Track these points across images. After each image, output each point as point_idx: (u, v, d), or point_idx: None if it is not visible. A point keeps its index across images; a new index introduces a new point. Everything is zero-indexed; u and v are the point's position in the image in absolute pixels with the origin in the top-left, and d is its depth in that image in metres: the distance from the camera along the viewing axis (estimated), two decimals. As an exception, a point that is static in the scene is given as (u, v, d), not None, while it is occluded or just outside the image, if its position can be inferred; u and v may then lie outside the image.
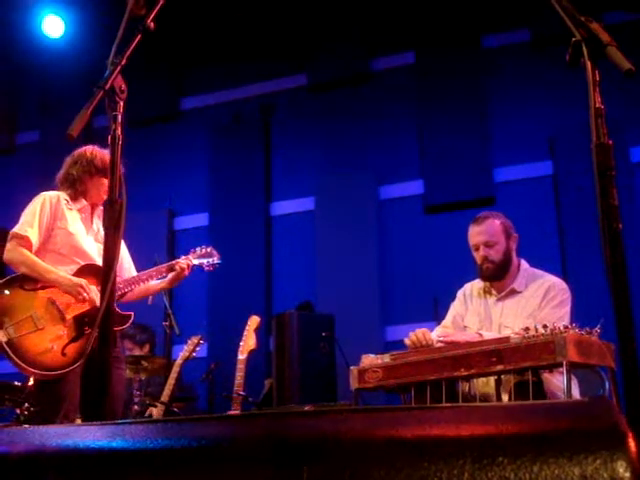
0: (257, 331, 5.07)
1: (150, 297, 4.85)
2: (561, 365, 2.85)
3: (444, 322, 3.95)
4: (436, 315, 4.84)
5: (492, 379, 3.20)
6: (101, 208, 3.93)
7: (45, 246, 3.68)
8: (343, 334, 5.72)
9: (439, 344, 3.52)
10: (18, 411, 4.69)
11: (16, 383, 4.67)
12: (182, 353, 5.18)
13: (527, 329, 2.96)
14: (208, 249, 4.28)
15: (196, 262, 4.13)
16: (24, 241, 3.61)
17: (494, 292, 3.78)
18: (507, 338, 3.05)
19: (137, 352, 5.78)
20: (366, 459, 0.89)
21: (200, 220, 7.36)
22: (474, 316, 3.80)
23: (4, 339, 3.42)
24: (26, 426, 1.20)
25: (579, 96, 2.31)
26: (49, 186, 3.84)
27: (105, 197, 3.91)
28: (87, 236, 3.80)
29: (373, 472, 0.88)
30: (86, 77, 6.56)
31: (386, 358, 3.35)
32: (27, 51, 7.47)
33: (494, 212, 3.95)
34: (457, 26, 6.86)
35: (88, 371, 3.38)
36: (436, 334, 3.76)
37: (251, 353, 4.93)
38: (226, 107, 7.58)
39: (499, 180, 6.48)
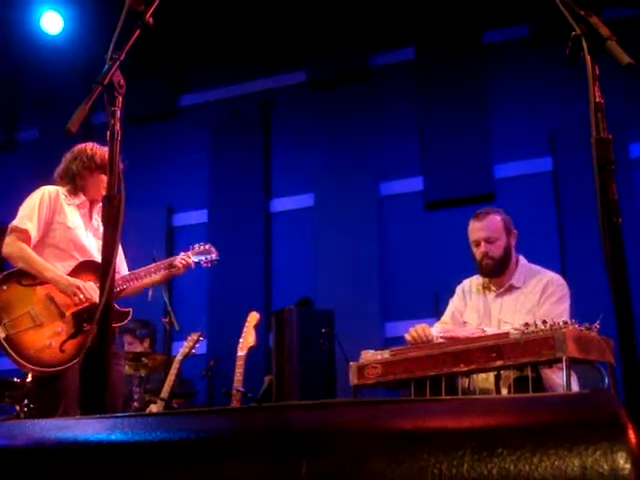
0: (257, 327, 5.07)
1: (150, 293, 4.85)
2: (561, 361, 2.85)
3: (443, 318, 3.95)
4: (436, 311, 4.84)
5: (492, 375, 3.20)
6: (100, 204, 3.96)
7: (44, 240, 3.67)
8: (343, 330, 5.73)
9: (440, 340, 3.53)
10: (18, 408, 4.69)
11: (16, 380, 4.68)
12: (182, 349, 5.18)
13: (527, 325, 2.96)
14: (206, 246, 4.29)
15: (195, 259, 4.14)
16: (23, 234, 3.60)
17: (493, 288, 3.78)
18: (507, 334, 3.05)
19: (137, 347, 5.78)
20: (366, 451, 0.89)
21: (199, 217, 7.36)
22: (473, 312, 3.80)
23: (2, 335, 3.41)
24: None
25: (579, 92, 2.31)
26: (49, 183, 3.83)
27: (104, 194, 3.93)
28: (86, 232, 3.80)
29: (373, 464, 0.88)
30: (85, 74, 6.56)
31: (386, 354, 3.35)
32: (26, 48, 7.46)
33: (494, 208, 3.95)
34: (457, 22, 6.85)
35: (87, 367, 3.37)
36: (436, 330, 3.76)
37: (251, 349, 4.93)
38: (225, 104, 7.57)
39: (499, 176, 6.47)
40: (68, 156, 3.88)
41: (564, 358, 2.83)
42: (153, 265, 3.92)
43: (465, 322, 3.81)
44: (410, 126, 6.91)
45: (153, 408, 5.06)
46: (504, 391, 3.16)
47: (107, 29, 2.35)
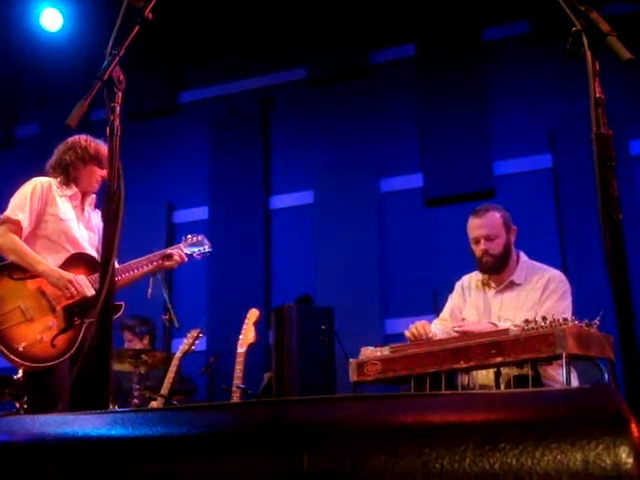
0: (256, 324, 5.06)
1: (150, 290, 4.84)
2: (561, 357, 2.85)
3: (442, 314, 3.95)
4: (435, 308, 4.84)
5: (491, 371, 3.20)
6: (93, 196, 3.92)
7: (35, 232, 3.64)
8: (342, 327, 5.72)
9: (444, 335, 3.53)
10: (17, 404, 4.69)
11: (15, 377, 4.67)
12: (181, 346, 5.17)
13: (527, 321, 2.96)
14: (199, 237, 4.26)
15: (187, 251, 4.11)
16: (15, 226, 3.57)
17: (493, 284, 3.77)
18: (507, 330, 3.05)
19: (137, 344, 5.78)
20: (367, 446, 0.89)
21: (199, 213, 7.36)
22: (472, 308, 3.79)
23: None
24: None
25: (579, 89, 2.31)
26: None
27: (97, 186, 3.90)
28: (78, 223, 3.77)
29: (374, 459, 0.87)
30: (85, 70, 6.55)
31: (385, 351, 3.35)
32: (25, 45, 7.45)
33: (493, 204, 3.94)
34: (457, 19, 6.84)
35: (86, 363, 3.33)
36: (436, 327, 3.76)
37: (250, 346, 4.92)
38: (225, 101, 7.56)
39: (499, 173, 6.47)
40: (61, 147, 3.86)
41: (564, 354, 2.83)
42: (145, 257, 3.88)
43: (464, 319, 3.80)
44: (410, 123, 6.90)
45: (153, 405, 5.06)
46: (502, 387, 3.16)
47: (107, 26, 2.35)
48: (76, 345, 3.52)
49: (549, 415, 0.87)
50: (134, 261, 3.82)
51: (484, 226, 3.73)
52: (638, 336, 1.87)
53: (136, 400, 4.95)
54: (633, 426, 0.82)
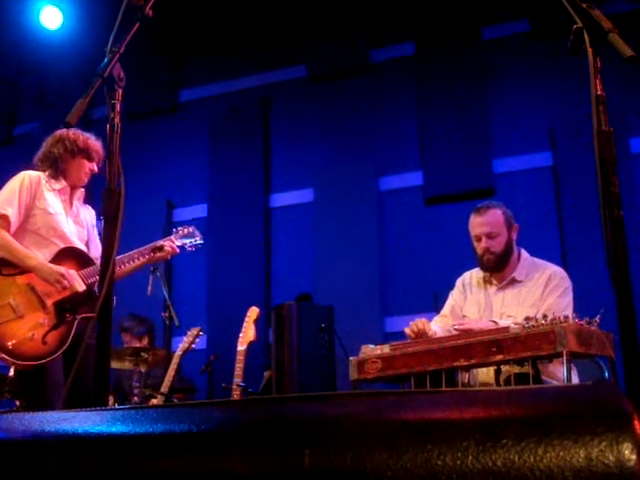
0: (256, 322, 5.07)
1: (149, 289, 4.83)
2: (561, 355, 2.85)
3: (442, 312, 3.95)
4: (435, 306, 4.83)
5: (492, 369, 3.20)
6: (82, 191, 3.88)
7: (24, 226, 3.59)
8: (342, 325, 5.72)
9: (444, 333, 3.53)
10: (17, 403, 4.68)
11: (9, 374, 4.65)
12: (181, 344, 5.17)
13: (528, 319, 2.96)
14: (190, 229, 4.23)
15: (179, 243, 4.06)
16: (4, 220, 3.52)
17: (494, 282, 3.77)
18: (507, 328, 3.05)
19: (136, 344, 5.77)
20: (368, 442, 0.89)
21: (199, 211, 7.35)
22: (473, 305, 3.79)
23: None
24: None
25: (579, 87, 2.31)
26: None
27: (86, 179, 3.87)
28: (67, 218, 3.72)
29: (375, 455, 0.87)
30: (85, 68, 6.54)
31: (386, 349, 3.35)
32: (25, 43, 7.43)
33: (495, 202, 3.94)
34: (457, 17, 6.84)
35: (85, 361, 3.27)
36: (436, 324, 3.76)
37: (250, 344, 4.92)
38: (225, 99, 7.56)
39: (499, 171, 6.47)
40: (49, 140, 3.82)
41: (564, 352, 2.82)
42: (136, 250, 3.83)
43: (464, 316, 3.80)
44: (410, 121, 6.90)
45: (154, 403, 5.06)
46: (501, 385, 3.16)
47: (107, 24, 2.34)
48: (68, 342, 3.46)
49: (552, 412, 0.87)
50: (125, 255, 3.75)
51: (486, 224, 3.73)
52: (639, 334, 1.87)
53: (136, 398, 4.94)
54: (636, 423, 0.82)
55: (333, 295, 6.27)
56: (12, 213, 3.53)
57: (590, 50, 1.99)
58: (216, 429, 0.99)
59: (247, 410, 1.05)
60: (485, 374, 3.35)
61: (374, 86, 7.09)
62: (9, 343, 3.32)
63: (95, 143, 3.85)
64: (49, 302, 3.48)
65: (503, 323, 3.38)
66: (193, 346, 5.20)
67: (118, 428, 1.03)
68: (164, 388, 4.97)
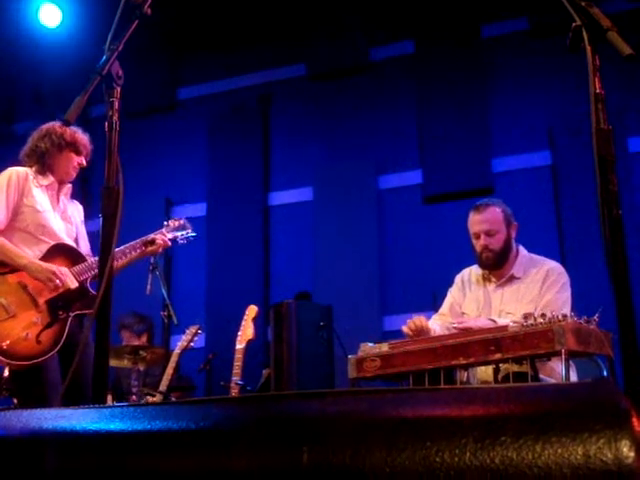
0: (255, 321, 5.07)
1: (148, 287, 4.82)
2: (559, 353, 2.85)
3: (441, 310, 3.95)
4: (434, 304, 4.83)
5: (490, 367, 3.20)
6: (69, 186, 3.82)
7: (12, 224, 3.53)
8: (341, 324, 5.72)
9: (443, 330, 3.53)
10: (15, 400, 4.68)
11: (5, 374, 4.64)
12: (180, 343, 5.17)
13: (526, 317, 2.96)
14: (181, 221, 4.18)
15: (170, 236, 4.01)
16: None
17: (493, 279, 3.77)
18: (506, 327, 3.05)
19: (135, 343, 5.77)
20: (367, 439, 0.89)
21: (198, 210, 7.34)
22: (472, 303, 3.79)
23: None
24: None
25: (578, 86, 2.31)
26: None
27: (73, 174, 3.82)
28: (54, 214, 3.67)
29: (374, 452, 0.87)
30: (83, 66, 6.53)
31: (384, 347, 3.35)
32: (24, 41, 7.42)
33: (494, 199, 3.94)
34: (456, 15, 6.83)
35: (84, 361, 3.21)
36: (435, 322, 3.76)
37: (249, 343, 4.92)
38: (224, 97, 7.55)
39: (498, 170, 6.47)
40: (35, 134, 3.77)
41: (563, 351, 2.83)
42: (128, 245, 3.76)
43: (464, 313, 3.80)
44: (409, 120, 6.90)
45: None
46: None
47: (106, 22, 2.34)
48: (62, 340, 3.42)
49: (550, 409, 0.87)
50: (118, 249, 3.66)
51: (485, 222, 3.73)
52: (638, 333, 1.87)
53: (134, 397, 4.94)
54: (634, 420, 0.82)
55: (332, 293, 6.27)
56: (0, 211, 3.48)
57: (589, 48, 1.99)
58: (215, 426, 0.99)
59: (246, 407, 1.05)
60: (484, 372, 3.35)
61: (374, 84, 7.08)
62: (3, 343, 3.28)
63: (82, 137, 3.78)
64: (41, 300, 3.44)
65: (502, 321, 3.38)
66: (192, 344, 5.20)
67: (116, 425, 1.03)
68: (162, 386, 4.97)
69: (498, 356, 2.98)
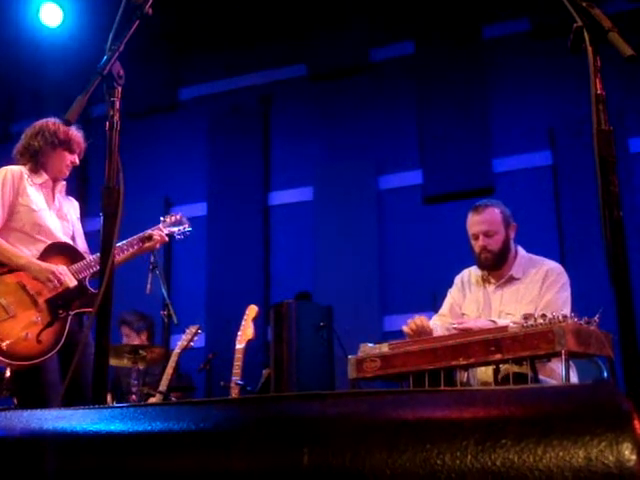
0: (255, 321, 5.07)
1: (148, 287, 4.82)
2: (560, 354, 2.85)
3: (441, 310, 3.95)
4: (434, 305, 4.83)
5: (490, 368, 3.20)
6: (63, 183, 3.79)
7: (8, 224, 3.50)
8: (341, 324, 5.72)
9: (443, 331, 3.53)
10: (16, 401, 4.67)
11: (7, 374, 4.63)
12: (180, 343, 5.17)
13: (526, 318, 2.96)
14: (177, 216, 4.17)
15: (167, 231, 4.00)
16: None
17: (492, 280, 3.77)
18: (506, 327, 3.05)
19: (135, 339, 5.77)
20: (367, 441, 0.89)
21: (198, 210, 7.34)
22: (472, 304, 3.79)
23: None
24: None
25: (579, 87, 2.30)
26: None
27: (67, 172, 3.80)
28: (50, 212, 3.64)
29: (374, 454, 0.87)
30: (83, 66, 6.53)
31: (384, 347, 3.35)
32: (24, 40, 7.41)
33: (493, 200, 3.95)
34: (457, 16, 6.83)
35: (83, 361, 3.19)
36: (435, 323, 3.76)
37: (249, 343, 4.92)
38: (225, 97, 7.55)
39: (498, 170, 6.47)
40: (28, 132, 3.72)
41: (563, 352, 2.83)
42: (125, 242, 3.74)
43: (464, 314, 3.80)
44: (409, 120, 6.90)
45: (152, 401, 5.06)
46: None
47: (107, 22, 2.34)
48: (62, 339, 3.41)
49: (551, 411, 0.87)
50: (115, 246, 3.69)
51: (483, 222, 3.73)
52: (638, 334, 1.87)
53: (134, 396, 4.94)
54: (636, 423, 0.82)
55: (332, 293, 6.27)
56: None
57: (590, 49, 2.00)
58: (214, 427, 0.99)
59: (246, 408, 1.05)
60: (484, 373, 3.35)
61: (374, 85, 7.08)
62: (3, 344, 3.26)
63: (76, 134, 3.74)
64: (41, 300, 3.42)
65: (502, 322, 3.38)
66: (192, 344, 5.20)
67: (116, 426, 1.03)
68: (162, 386, 4.96)
69: (498, 357, 2.98)
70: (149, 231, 3.90)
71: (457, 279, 3.96)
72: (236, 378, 4.75)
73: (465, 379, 3.31)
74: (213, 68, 7.67)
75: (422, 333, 3.52)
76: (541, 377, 3.19)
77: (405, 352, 3.24)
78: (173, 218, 4.13)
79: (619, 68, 1.99)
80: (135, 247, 3.80)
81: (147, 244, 3.85)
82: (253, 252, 7.02)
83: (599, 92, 1.98)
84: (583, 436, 0.82)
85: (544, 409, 0.87)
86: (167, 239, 3.98)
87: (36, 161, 3.65)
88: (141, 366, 5.06)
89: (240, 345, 4.86)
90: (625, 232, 1.94)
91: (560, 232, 6.14)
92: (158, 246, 3.93)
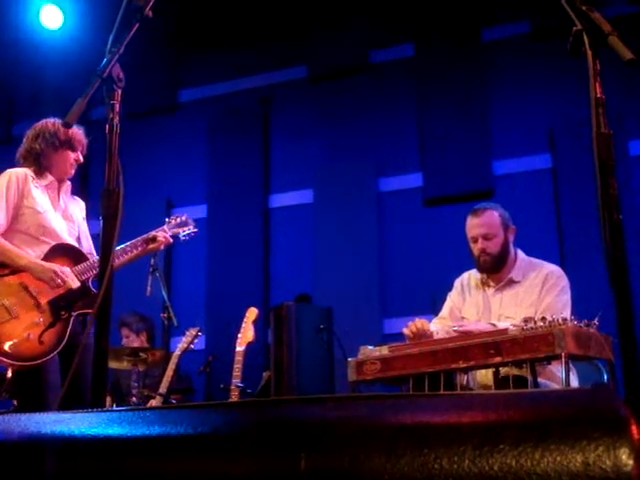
0: (255, 323, 5.06)
1: (149, 289, 4.82)
2: (559, 357, 2.85)
3: (441, 313, 3.95)
4: (434, 307, 4.83)
5: (490, 371, 3.20)
6: (68, 184, 3.78)
7: (12, 226, 3.50)
8: (341, 326, 5.72)
9: (443, 334, 3.53)
10: (15, 402, 4.67)
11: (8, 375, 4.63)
12: (180, 345, 5.17)
13: (526, 321, 2.96)
14: (183, 217, 4.15)
15: (171, 232, 3.99)
16: None
17: (492, 283, 3.77)
18: (506, 330, 3.05)
19: (134, 341, 5.77)
20: (366, 445, 0.89)
21: (198, 211, 7.33)
22: (472, 307, 3.79)
23: None
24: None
25: (579, 89, 2.31)
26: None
27: (71, 171, 3.80)
28: (55, 214, 3.64)
29: (373, 458, 0.87)
30: (83, 69, 6.53)
31: (384, 350, 3.35)
32: (25, 42, 7.42)
33: (492, 203, 3.95)
34: (457, 18, 6.83)
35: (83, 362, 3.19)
36: (435, 326, 3.76)
37: (249, 345, 4.92)
38: (225, 99, 7.55)
39: (498, 173, 6.47)
40: (29, 134, 3.72)
41: (563, 355, 2.83)
42: (129, 243, 3.74)
43: (463, 317, 3.80)
44: (409, 122, 6.90)
45: (152, 403, 5.06)
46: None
47: (107, 24, 2.34)
48: (64, 340, 3.41)
49: (549, 416, 0.87)
50: (118, 248, 3.62)
51: (482, 225, 3.74)
52: (638, 337, 1.87)
53: (134, 399, 4.94)
54: (633, 427, 0.82)
55: (332, 296, 6.27)
56: (0, 214, 3.46)
57: (590, 53, 2.00)
58: (213, 432, 0.99)
59: (245, 413, 1.05)
60: (484, 376, 3.35)
61: (374, 87, 7.08)
62: (6, 345, 3.27)
63: (77, 131, 3.73)
64: (43, 301, 3.42)
65: (502, 325, 3.38)
66: (192, 346, 5.20)
67: (115, 430, 1.03)
68: (162, 388, 4.96)
69: (498, 359, 2.98)
70: (153, 232, 3.89)
71: (457, 282, 3.96)
72: (236, 380, 4.75)
73: (465, 382, 3.31)
74: (213, 69, 7.67)
75: (422, 336, 3.52)
76: (541, 380, 3.19)
77: (405, 355, 3.24)
78: (178, 219, 4.12)
79: (619, 71, 1.99)
80: (139, 249, 3.79)
81: (151, 246, 3.84)
82: (253, 254, 7.02)
83: (599, 96, 1.98)
84: (580, 441, 0.82)
85: (541, 414, 0.87)
86: (171, 241, 3.97)
87: (39, 164, 3.65)
88: (141, 368, 5.06)
89: (240, 347, 4.86)
90: (625, 235, 1.94)
91: (560, 235, 6.14)
92: (162, 248, 3.92)
